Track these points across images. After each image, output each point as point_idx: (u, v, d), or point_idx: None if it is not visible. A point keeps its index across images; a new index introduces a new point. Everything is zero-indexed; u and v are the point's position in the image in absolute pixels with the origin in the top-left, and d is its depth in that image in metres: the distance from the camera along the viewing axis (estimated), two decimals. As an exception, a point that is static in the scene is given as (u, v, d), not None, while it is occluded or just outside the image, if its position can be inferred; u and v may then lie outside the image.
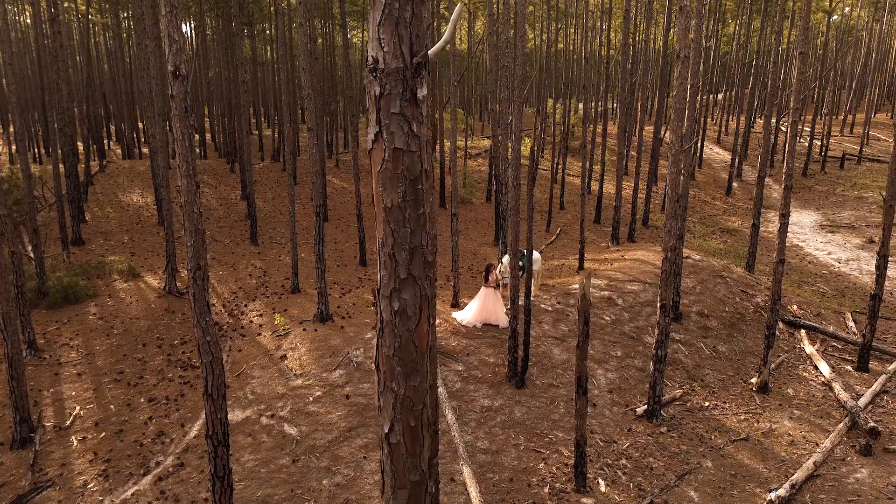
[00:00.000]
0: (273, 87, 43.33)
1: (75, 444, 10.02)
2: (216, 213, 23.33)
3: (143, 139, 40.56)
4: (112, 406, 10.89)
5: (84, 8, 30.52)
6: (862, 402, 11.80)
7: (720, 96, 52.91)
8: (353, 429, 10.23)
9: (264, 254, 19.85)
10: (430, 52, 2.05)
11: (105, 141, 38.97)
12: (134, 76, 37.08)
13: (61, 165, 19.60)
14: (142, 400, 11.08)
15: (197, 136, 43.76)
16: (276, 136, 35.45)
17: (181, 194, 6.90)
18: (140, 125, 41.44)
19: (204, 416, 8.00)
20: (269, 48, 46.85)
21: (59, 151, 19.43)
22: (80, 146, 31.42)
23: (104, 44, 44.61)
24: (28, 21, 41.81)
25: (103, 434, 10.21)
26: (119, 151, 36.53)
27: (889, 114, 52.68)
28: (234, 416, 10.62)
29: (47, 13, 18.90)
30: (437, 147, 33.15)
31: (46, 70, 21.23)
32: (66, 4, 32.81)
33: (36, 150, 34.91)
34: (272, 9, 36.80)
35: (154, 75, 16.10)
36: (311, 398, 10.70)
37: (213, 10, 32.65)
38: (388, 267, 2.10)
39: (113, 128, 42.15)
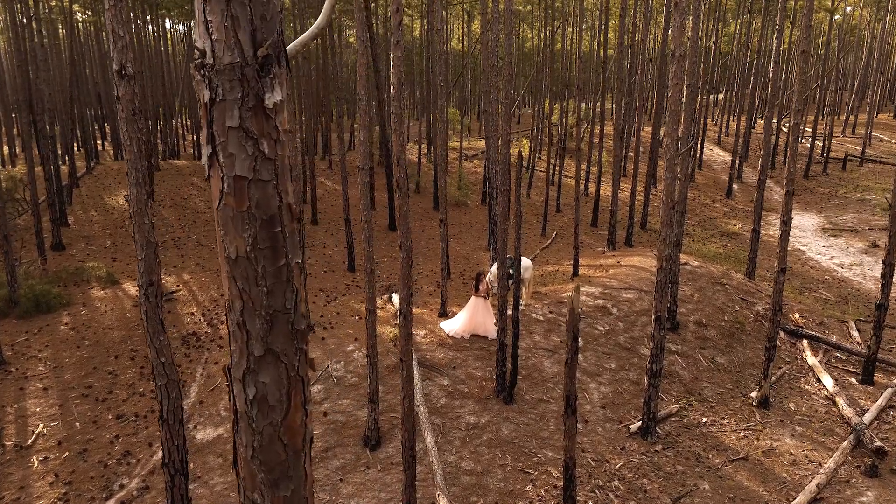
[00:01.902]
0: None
1: (36, 464, 9.47)
2: (203, 216, 22.79)
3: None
4: (78, 423, 10.34)
5: (69, 5, 29.95)
6: (867, 418, 11.24)
7: (721, 96, 52.33)
8: (330, 449, 9.69)
9: (250, 259, 19.29)
10: (295, 42, 1.50)
11: (99, 141, 38.40)
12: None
13: (40, 168, 19.05)
14: (109, 417, 10.53)
15: (193, 137, 43.21)
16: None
17: (130, 204, 6.36)
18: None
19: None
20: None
21: (36, 153, 18.89)
22: (74, 147, 30.93)
23: (98, 43, 44.02)
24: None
25: (66, 454, 9.66)
26: (112, 152, 35.99)
27: (891, 114, 52.07)
28: (206, 434, 10.09)
29: (23, 12, 18.37)
30: (432, 148, 32.60)
31: (25, 70, 20.69)
32: (52, 3, 32.25)
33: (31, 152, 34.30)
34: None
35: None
36: (286, 415, 10.17)
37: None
38: (238, 340, 1.52)
39: (108, 128, 41.56)
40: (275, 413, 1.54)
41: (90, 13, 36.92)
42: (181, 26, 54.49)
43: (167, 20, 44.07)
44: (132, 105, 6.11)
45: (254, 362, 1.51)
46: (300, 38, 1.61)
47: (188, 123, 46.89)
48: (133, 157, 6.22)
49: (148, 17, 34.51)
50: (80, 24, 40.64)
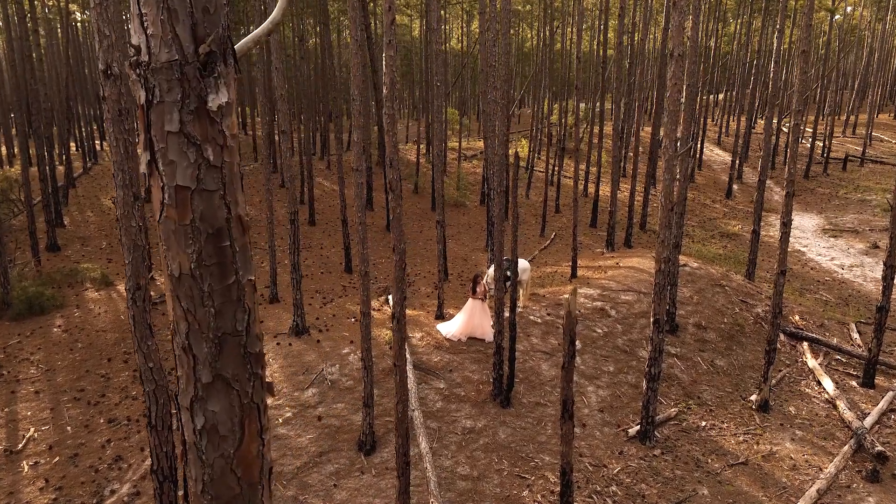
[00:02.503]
0: (264, 86, 42.56)
1: (26, 469, 9.35)
2: (200, 216, 22.66)
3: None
4: (69, 427, 10.22)
5: (66, 5, 29.81)
6: (868, 422, 11.11)
7: (721, 96, 52.21)
8: (324, 453, 9.56)
9: (247, 260, 19.16)
10: (246, 39, 1.37)
11: (97, 141, 38.19)
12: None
13: (36, 168, 18.92)
14: (101, 421, 10.40)
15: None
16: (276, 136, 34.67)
17: (117, 207, 6.24)
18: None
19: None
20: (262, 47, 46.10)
21: (33, 153, 18.76)
22: (73, 146, 30.82)
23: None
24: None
25: (57, 459, 9.54)
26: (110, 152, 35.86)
27: (892, 114, 51.94)
28: (199, 438, 9.96)
29: (19, 12, 18.25)
30: (429, 148, 32.48)
31: (21, 70, 20.56)
32: (50, 3, 32.13)
33: (28, 153, 34.13)
34: (263, 7, 36.08)
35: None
36: (280, 419, 10.03)
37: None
38: (184, 365, 1.38)
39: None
40: (227, 444, 1.41)
41: (88, 13, 36.80)
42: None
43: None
44: (118, 105, 5.98)
45: (202, 389, 1.38)
46: (252, 34, 1.48)
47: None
48: (119, 159, 6.09)
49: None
50: (78, 24, 40.51)
